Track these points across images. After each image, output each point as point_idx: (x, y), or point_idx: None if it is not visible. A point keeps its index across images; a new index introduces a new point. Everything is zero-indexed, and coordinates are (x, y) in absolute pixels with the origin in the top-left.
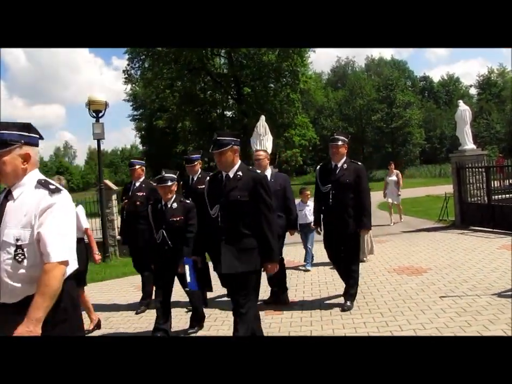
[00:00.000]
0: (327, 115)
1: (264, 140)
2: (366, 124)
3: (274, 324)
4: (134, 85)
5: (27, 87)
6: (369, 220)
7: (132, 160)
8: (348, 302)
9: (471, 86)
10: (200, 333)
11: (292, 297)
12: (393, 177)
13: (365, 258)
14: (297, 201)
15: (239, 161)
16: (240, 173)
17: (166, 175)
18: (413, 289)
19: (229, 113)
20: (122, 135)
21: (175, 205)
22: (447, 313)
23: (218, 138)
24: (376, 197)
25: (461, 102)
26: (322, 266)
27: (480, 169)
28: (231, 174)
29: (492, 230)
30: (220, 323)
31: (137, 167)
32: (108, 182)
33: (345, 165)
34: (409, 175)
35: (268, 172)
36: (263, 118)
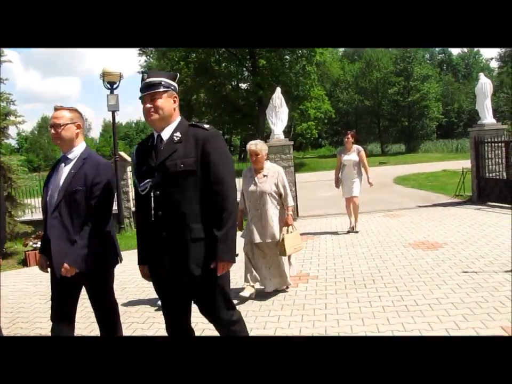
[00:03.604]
0: (343, 88)
1: (279, 112)
2: (383, 97)
3: (288, 296)
4: (148, 57)
5: (42, 60)
6: (233, 248)
7: None
8: None
9: (491, 59)
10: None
11: (307, 270)
12: (352, 156)
13: (291, 282)
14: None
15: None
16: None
17: None
18: (428, 264)
19: (243, 86)
20: (137, 107)
21: None
22: (463, 289)
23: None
24: (391, 170)
25: (481, 75)
26: (336, 237)
27: (499, 144)
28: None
29: (509, 205)
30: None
31: None
32: (122, 154)
33: (177, 133)
34: (425, 149)
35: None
36: (278, 89)
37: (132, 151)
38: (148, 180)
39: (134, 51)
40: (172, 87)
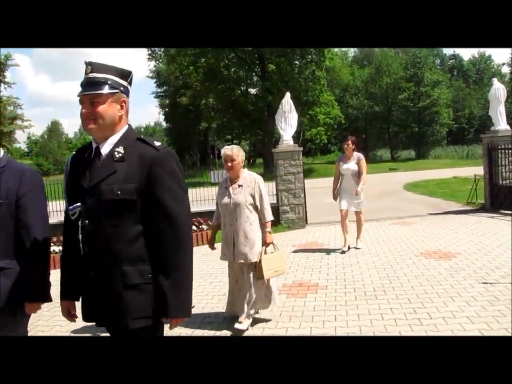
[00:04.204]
0: (353, 93)
1: (289, 117)
2: (392, 102)
3: (297, 307)
4: (157, 62)
5: (52, 64)
6: (188, 299)
7: None
8: None
9: (503, 64)
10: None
11: (316, 279)
12: (351, 165)
13: (274, 305)
14: None
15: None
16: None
17: None
18: (441, 274)
19: (253, 91)
20: (146, 112)
21: None
22: (478, 302)
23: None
24: (401, 176)
25: (495, 80)
26: (347, 249)
27: None
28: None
29: None
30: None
31: None
32: None
33: (119, 148)
34: (435, 155)
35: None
36: (288, 94)
37: (66, 159)
38: (78, 204)
39: (144, 55)
40: (122, 88)
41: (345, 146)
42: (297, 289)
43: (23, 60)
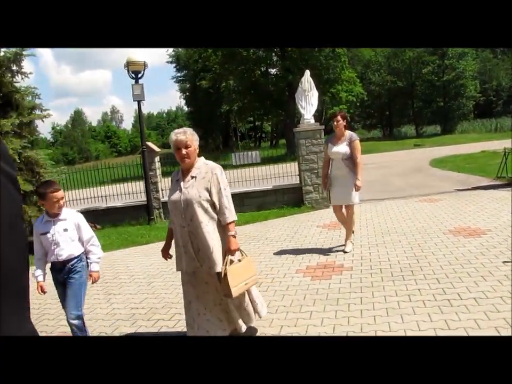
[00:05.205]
0: (375, 69)
1: (309, 96)
2: (416, 77)
3: (321, 290)
4: None
5: (73, 54)
6: None
7: None
8: None
9: None
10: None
11: (341, 260)
12: (342, 147)
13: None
14: None
15: None
16: None
17: None
18: (471, 252)
19: (273, 71)
20: (168, 97)
21: None
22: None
23: None
24: (427, 152)
25: None
26: (372, 224)
27: None
28: None
29: None
30: None
31: None
32: (150, 144)
33: None
34: (462, 130)
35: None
36: (307, 72)
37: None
38: None
39: None
40: None
41: (334, 123)
42: (322, 271)
43: (45, 52)
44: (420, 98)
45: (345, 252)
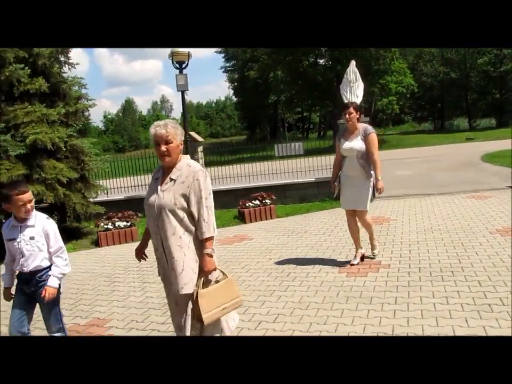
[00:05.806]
0: (427, 60)
1: (354, 87)
2: (471, 68)
3: (356, 287)
4: None
5: None
6: None
7: None
8: None
9: None
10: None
11: (379, 257)
12: (356, 142)
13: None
14: None
15: None
16: None
17: None
18: None
19: (321, 61)
20: (218, 86)
21: None
22: None
23: None
24: (479, 147)
25: None
26: (414, 221)
27: None
28: None
29: None
30: None
31: None
32: (193, 133)
33: None
34: None
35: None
36: (353, 63)
37: None
38: None
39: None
40: None
41: (346, 116)
42: (358, 267)
43: None
44: (474, 90)
45: (374, 256)
